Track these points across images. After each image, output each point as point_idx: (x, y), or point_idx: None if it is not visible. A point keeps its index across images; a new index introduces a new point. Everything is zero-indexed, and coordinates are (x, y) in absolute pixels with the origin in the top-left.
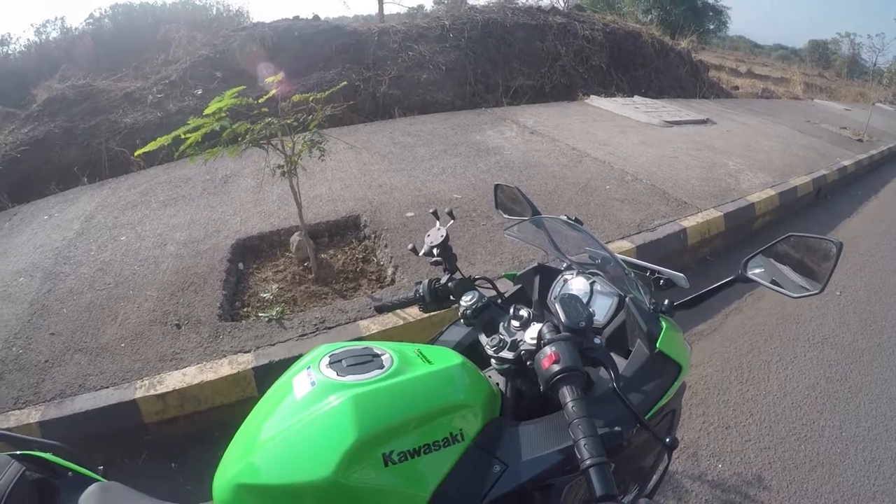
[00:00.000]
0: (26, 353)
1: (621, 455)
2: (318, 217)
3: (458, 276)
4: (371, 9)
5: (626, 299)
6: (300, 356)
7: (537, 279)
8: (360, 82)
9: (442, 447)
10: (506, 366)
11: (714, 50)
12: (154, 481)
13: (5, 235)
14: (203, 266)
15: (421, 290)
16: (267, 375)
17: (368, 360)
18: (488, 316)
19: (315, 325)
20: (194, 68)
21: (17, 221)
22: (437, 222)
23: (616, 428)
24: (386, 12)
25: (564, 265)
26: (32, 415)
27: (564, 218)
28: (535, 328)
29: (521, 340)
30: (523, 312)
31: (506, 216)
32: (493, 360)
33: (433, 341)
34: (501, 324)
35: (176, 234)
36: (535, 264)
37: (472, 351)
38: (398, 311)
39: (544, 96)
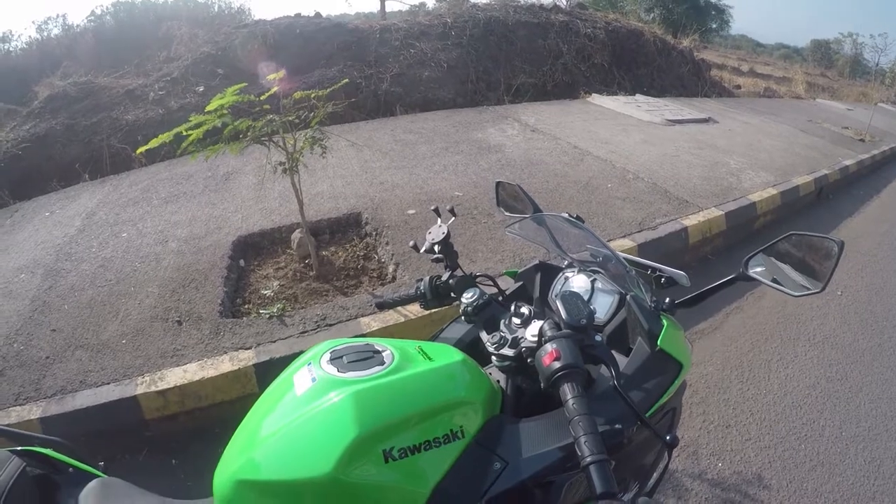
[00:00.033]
0: (27, 349)
1: (622, 453)
2: (320, 214)
3: (459, 273)
4: (373, 6)
5: (628, 297)
6: (301, 353)
7: (538, 276)
8: (361, 80)
9: (442, 444)
10: (506, 363)
11: (716, 49)
12: (155, 478)
13: (7, 232)
14: (204, 263)
15: (422, 287)
16: (268, 372)
17: (369, 357)
18: (489, 313)
19: (316, 322)
20: (196, 65)
21: (19, 218)
22: (439, 219)
23: (616, 425)
24: (388, 10)
25: (566, 263)
26: (33, 411)
27: (566, 215)
28: (536, 325)
29: (522, 338)
30: (524, 310)
31: (507, 213)
32: (493, 358)
33: (434, 338)
34: (502, 321)
35: (177, 230)
36: (537, 262)
37: (472, 348)
38: (399, 308)
39: (546, 94)
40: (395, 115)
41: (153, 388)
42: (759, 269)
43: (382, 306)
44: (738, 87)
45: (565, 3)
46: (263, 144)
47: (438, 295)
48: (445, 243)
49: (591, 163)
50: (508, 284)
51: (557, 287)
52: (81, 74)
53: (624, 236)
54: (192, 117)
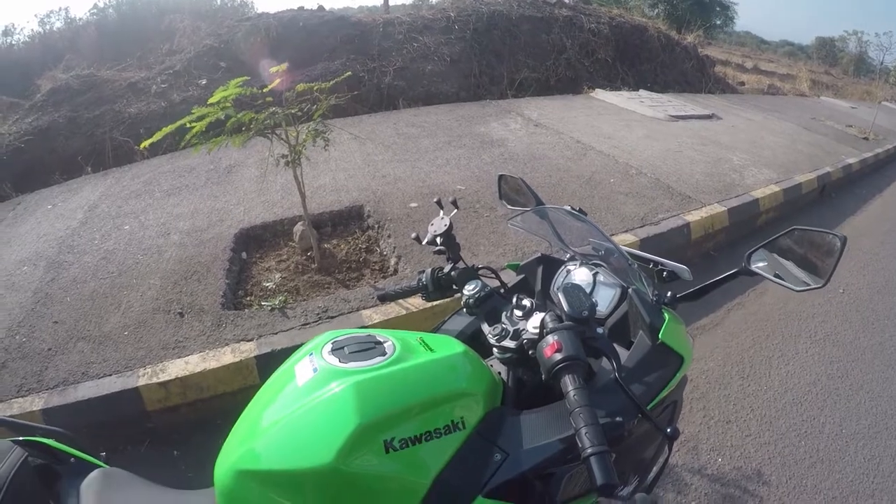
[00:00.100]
0: (30, 341)
1: (622, 445)
2: (322, 207)
3: (461, 265)
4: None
5: (629, 290)
6: (302, 345)
7: (540, 269)
8: (364, 73)
9: (443, 435)
10: (508, 355)
11: (720, 45)
12: (156, 469)
13: (9, 225)
14: (206, 255)
15: (424, 279)
16: (269, 364)
17: (371, 348)
18: (491, 305)
19: (318, 314)
20: (198, 58)
21: (21, 211)
22: (441, 211)
23: (617, 418)
24: (391, 3)
25: (568, 256)
26: (35, 402)
27: (568, 208)
28: (537, 317)
29: (524, 329)
30: (526, 302)
31: (509, 207)
32: (495, 350)
33: (436, 330)
34: (504, 313)
35: (179, 223)
36: (539, 255)
37: (474, 340)
38: (401, 300)
39: (549, 89)
40: (398, 109)
41: (155, 380)
42: (761, 264)
43: (384, 298)
44: (742, 83)
45: None
46: (266, 137)
47: (440, 287)
48: (447, 235)
49: (594, 158)
50: (510, 277)
51: (559, 280)
52: (84, 67)
53: (626, 231)
54: (194, 110)
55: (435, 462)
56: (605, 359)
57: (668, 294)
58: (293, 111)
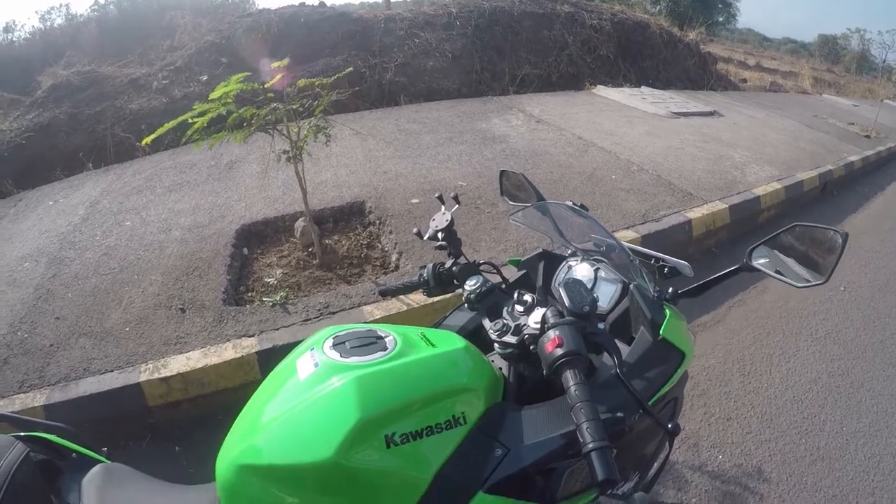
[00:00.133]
0: (31, 337)
1: (623, 441)
2: (323, 203)
3: (462, 260)
4: None
5: (631, 286)
6: (303, 340)
7: (542, 265)
8: (366, 69)
9: (444, 430)
10: (509, 350)
11: (722, 42)
12: (157, 464)
13: (11, 221)
14: (208, 251)
15: (425, 275)
16: (270, 359)
17: (372, 342)
18: (492, 301)
19: (319, 310)
20: (200, 54)
21: (23, 207)
22: (443, 207)
23: (618, 413)
24: None
25: (569, 252)
26: (37, 398)
27: (570, 204)
28: (538, 313)
29: (525, 325)
30: (527, 297)
31: (511, 202)
32: (496, 345)
33: (437, 325)
34: (505, 308)
35: (181, 219)
36: (540, 250)
37: (475, 335)
38: (402, 296)
39: (551, 85)
40: (400, 105)
41: (156, 376)
42: (762, 261)
43: (385, 294)
44: (744, 80)
45: None
46: (267, 133)
47: (441, 282)
48: (449, 231)
49: (596, 154)
50: (512, 273)
51: (561, 275)
52: (85, 64)
53: (628, 227)
54: (196, 105)
55: (436, 457)
56: (606, 354)
57: (670, 290)
58: (294, 107)
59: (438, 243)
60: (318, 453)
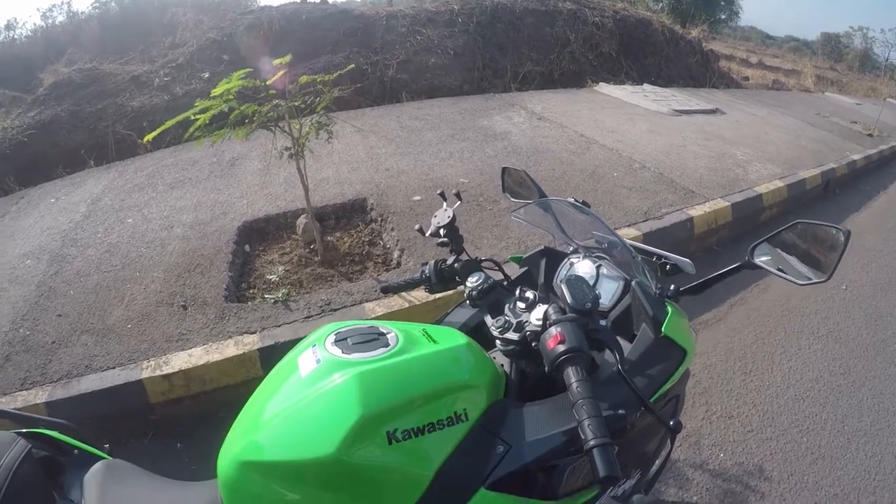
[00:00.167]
0: (33, 334)
1: (625, 438)
2: (325, 200)
3: (464, 257)
4: None
5: (633, 283)
6: (305, 336)
7: (543, 262)
8: (367, 66)
9: (446, 426)
10: (511, 347)
11: (725, 40)
12: (159, 461)
13: (13, 218)
14: (209, 248)
15: (427, 272)
16: (272, 356)
17: (374, 339)
18: (494, 297)
19: (320, 306)
20: (201, 52)
21: (24, 205)
22: (444, 203)
23: (620, 410)
24: None
25: (571, 248)
26: (39, 395)
27: (572, 200)
28: (540, 309)
29: (527, 321)
30: (529, 294)
31: (513, 199)
32: (498, 342)
33: (439, 322)
34: (507, 305)
35: (182, 216)
36: (542, 247)
37: (477, 332)
38: (404, 293)
39: (553, 82)
40: (401, 102)
41: (158, 373)
42: (764, 258)
43: (387, 291)
44: (747, 78)
45: None
46: (269, 130)
47: (443, 279)
48: (451, 227)
49: (598, 151)
50: (513, 270)
51: (563, 272)
52: (86, 61)
53: (629, 225)
54: (198, 102)
55: (438, 454)
56: (608, 351)
57: (672, 287)
58: (296, 104)
59: (440, 240)
60: (320, 450)
